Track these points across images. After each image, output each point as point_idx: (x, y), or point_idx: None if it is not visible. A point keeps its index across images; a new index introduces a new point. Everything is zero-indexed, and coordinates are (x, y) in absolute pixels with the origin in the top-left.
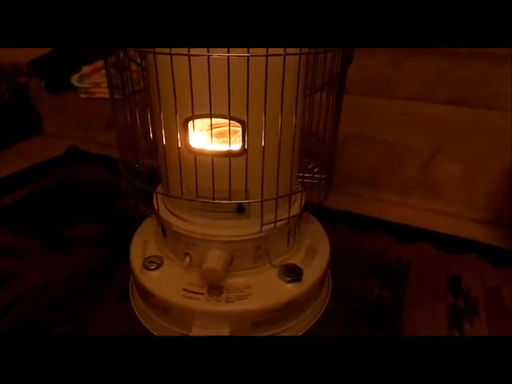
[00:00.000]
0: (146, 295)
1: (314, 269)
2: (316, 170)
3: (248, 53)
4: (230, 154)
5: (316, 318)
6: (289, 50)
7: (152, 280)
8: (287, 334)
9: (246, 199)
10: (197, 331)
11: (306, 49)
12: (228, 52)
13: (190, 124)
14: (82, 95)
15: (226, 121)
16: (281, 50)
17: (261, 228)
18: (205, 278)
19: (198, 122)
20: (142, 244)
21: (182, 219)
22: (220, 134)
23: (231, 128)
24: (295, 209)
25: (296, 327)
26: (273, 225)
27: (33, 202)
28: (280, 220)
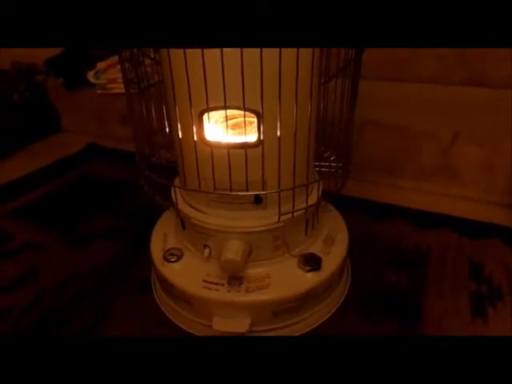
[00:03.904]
0: (168, 287)
1: (333, 257)
2: (333, 159)
3: None
4: (245, 146)
5: (336, 307)
6: None
7: (173, 272)
8: (308, 322)
9: (263, 190)
10: (218, 321)
11: None
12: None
13: (205, 116)
14: (99, 91)
15: (241, 112)
16: None
17: (278, 218)
18: (224, 269)
19: (213, 114)
20: (162, 237)
21: (200, 211)
22: (235, 126)
23: (246, 119)
24: (313, 198)
25: (316, 316)
26: (290, 215)
27: (53, 199)
28: (298, 210)
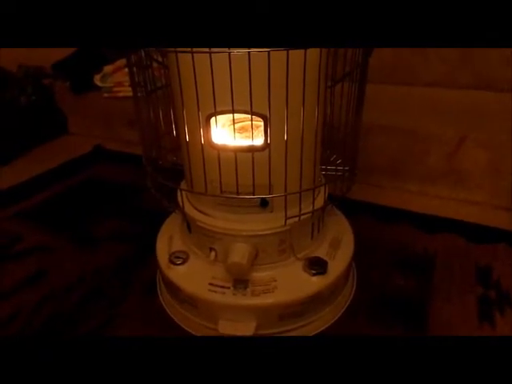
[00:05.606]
0: (173, 290)
1: (339, 261)
2: (339, 162)
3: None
4: (252, 149)
5: (342, 310)
6: None
7: (178, 275)
8: (313, 326)
9: (269, 193)
10: (223, 325)
11: None
12: (248, 48)
13: (213, 120)
14: (105, 94)
15: (248, 116)
16: None
17: (285, 222)
18: (230, 272)
19: (220, 117)
20: (168, 239)
21: (206, 214)
22: (242, 129)
23: (253, 123)
24: (319, 202)
25: (322, 319)
26: (297, 218)
27: (60, 201)
28: (304, 213)
